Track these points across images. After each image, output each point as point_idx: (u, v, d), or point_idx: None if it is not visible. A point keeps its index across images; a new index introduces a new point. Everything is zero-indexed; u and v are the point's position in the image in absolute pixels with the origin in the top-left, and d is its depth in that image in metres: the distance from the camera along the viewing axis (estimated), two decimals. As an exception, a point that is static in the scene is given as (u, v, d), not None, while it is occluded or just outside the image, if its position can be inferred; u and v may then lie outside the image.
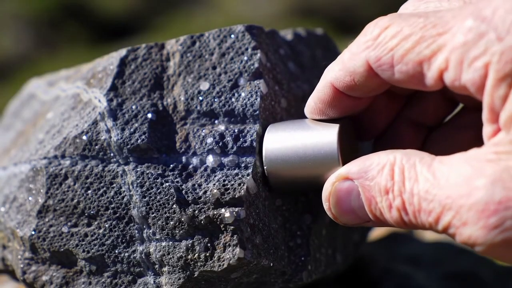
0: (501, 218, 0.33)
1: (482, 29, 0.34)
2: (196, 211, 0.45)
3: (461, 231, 0.35)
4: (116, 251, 0.46)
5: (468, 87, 0.35)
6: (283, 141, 0.44)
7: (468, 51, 0.35)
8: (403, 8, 0.42)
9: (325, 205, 0.42)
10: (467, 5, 0.36)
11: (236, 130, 0.46)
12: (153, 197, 0.45)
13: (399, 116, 0.47)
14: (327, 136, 0.43)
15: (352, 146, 0.46)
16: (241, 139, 0.46)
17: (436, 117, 0.46)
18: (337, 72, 0.41)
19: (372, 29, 0.39)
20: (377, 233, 0.69)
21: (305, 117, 0.46)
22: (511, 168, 0.34)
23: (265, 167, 0.45)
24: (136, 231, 0.46)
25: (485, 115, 0.35)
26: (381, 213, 0.39)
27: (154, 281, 0.46)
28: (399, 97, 0.46)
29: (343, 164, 0.42)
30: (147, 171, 0.46)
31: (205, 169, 0.45)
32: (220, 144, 0.46)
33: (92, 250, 0.46)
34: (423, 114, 0.46)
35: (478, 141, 0.38)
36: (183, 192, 0.45)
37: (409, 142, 0.46)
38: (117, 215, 0.46)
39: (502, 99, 0.34)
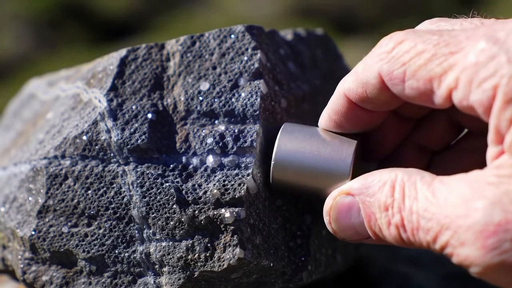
0: (500, 240, 0.33)
1: (493, 51, 0.34)
2: (196, 211, 0.45)
3: (458, 251, 0.35)
4: (116, 251, 0.46)
5: (475, 108, 0.35)
6: (296, 145, 0.44)
7: (478, 72, 0.35)
8: (419, 27, 0.42)
9: (326, 219, 0.43)
10: (481, 26, 0.36)
11: (236, 130, 0.46)
12: (153, 197, 0.45)
13: (405, 140, 0.47)
14: (343, 152, 0.43)
15: (359, 165, 0.46)
16: (241, 139, 0.46)
17: (441, 141, 0.47)
18: (351, 83, 0.41)
19: (387, 42, 0.39)
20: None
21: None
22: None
23: (272, 163, 0.44)
24: (136, 231, 0.46)
25: (491, 136, 0.35)
26: (380, 230, 0.39)
27: (154, 281, 0.46)
28: (408, 121, 0.46)
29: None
30: (147, 171, 0.46)
31: (205, 169, 0.45)
32: (220, 144, 0.46)
33: (92, 250, 0.46)
34: (428, 138, 0.46)
35: (482, 165, 0.38)
36: (183, 192, 0.45)
37: (413, 165, 0.46)
38: (117, 215, 0.46)
39: (509, 122, 0.34)
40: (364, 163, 0.48)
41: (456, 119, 0.46)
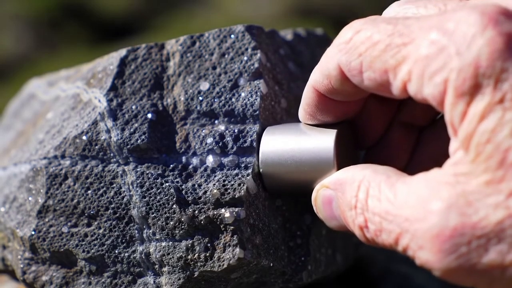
0: (456, 244, 0.33)
1: (443, 43, 0.34)
2: (196, 211, 0.45)
3: (418, 254, 0.35)
4: (116, 251, 0.46)
5: (429, 101, 0.35)
6: (279, 144, 0.44)
7: (429, 65, 0.34)
8: (385, 13, 0.42)
9: (314, 209, 0.43)
10: (435, 16, 0.36)
11: (236, 130, 0.46)
12: (153, 197, 0.45)
13: (392, 120, 0.47)
14: (324, 142, 0.43)
15: (351, 154, 0.46)
16: (241, 139, 0.46)
17: (426, 116, 0.46)
18: (317, 75, 0.41)
19: (345, 32, 0.39)
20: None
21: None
22: (468, 193, 0.33)
23: (260, 170, 0.45)
24: (136, 231, 0.46)
25: (449, 130, 0.35)
26: (350, 227, 0.39)
27: (154, 281, 0.46)
28: (391, 102, 0.46)
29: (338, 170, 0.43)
30: (147, 171, 0.46)
31: (205, 169, 0.45)
32: (220, 144, 0.46)
33: (92, 250, 0.46)
34: (413, 114, 0.46)
35: None
36: (183, 192, 0.45)
37: (400, 144, 0.46)
38: (117, 215, 0.46)
39: (461, 116, 0.34)
40: (359, 151, 0.48)
41: None
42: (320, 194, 0.42)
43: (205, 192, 0.45)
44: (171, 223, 0.45)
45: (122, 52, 0.49)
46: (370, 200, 0.37)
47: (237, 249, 0.44)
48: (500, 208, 0.32)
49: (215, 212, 0.44)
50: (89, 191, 0.47)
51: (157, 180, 0.46)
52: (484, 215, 0.33)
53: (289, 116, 0.49)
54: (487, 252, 0.33)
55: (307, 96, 0.43)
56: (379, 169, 0.38)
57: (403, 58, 0.35)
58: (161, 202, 0.45)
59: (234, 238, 0.44)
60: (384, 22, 0.37)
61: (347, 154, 0.45)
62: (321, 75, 0.41)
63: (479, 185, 0.33)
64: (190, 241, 0.45)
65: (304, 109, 0.44)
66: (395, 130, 0.46)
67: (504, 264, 0.32)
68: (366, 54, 0.37)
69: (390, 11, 0.41)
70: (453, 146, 0.35)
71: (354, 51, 0.38)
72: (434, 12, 0.38)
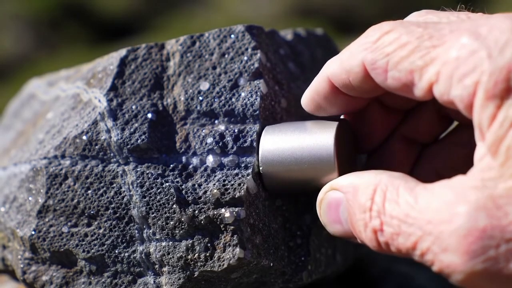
0: (484, 246, 0.32)
1: (475, 47, 0.34)
2: (196, 211, 0.45)
3: (440, 257, 0.34)
4: (116, 251, 0.46)
5: (456, 103, 0.35)
6: (279, 142, 0.44)
7: (459, 67, 0.34)
8: (408, 18, 0.42)
9: (318, 211, 0.43)
10: (466, 21, 0.36)
11: (236, 130, 0.46)
12: (153, 197, 0.45)
13: (394, 132, 0.47)
14: (324, 140, 0.43)
15: (350, 154, 0.46)
16: (241, 139, 0.46)
17: (430, 134, 0.46)
18: (336, 69, 0.41)
19: (373, 32, 0.39)
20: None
21: (303, 119, 0.46)
22: (497, 197, 0.33)
23: (260, 168, 0.45)
24: (136, 231, 0.46)
25: (476, 134, 0.35)
26: (359, 231, 0.39)
27: (154, 281, 0.46)
28: (396, 112, 0.46)
29: (339, 168, 0.42)
30: (147, 171, 0.46)
31: (205, 169, 0.45)
32: (220, 144, 0.46)
33: (92, 250, 0.46)
34: (416, 130, 0.46)
35: (471, 159, 0.37)
36: (183, 192, 0.45)
37: (402, 158, 0.46)
38: (117, 215, 0.46)
39: (490, 120, 0.34)
40: (355, 151, 0.48)
41: (444, 111, 0.45)
42: (328, 196, 0.42)
43: (205, 192, 0.45)
44: (171, 223, 0.45)
45: (122, 52, 0.49)
46: (387, 203, 0.37)
47: (237, 249, 0.44)
48: None
49: (215, 212, 0.44)
50: (89, 191, 0.47)
51: (157, 180, 0.46)
52: None
53: (289, 116, 0.49)
54: None
55: (320, 86, 0.43)
56: (396, 175, 0.38)
57: (432, 59, 0.36)
58: (161, 202, 0.45)
59: (234, 238, 0.44)
60: (414, 25, 0.37)
61: (346, 153, 0.45)
62: (340, 69, 0.41)
63: (509, 189, 0.33)
64: (190, 241, 0.45)
65: (311, 97, 0.44)
66: (397, 142, 0.47)
67: None
68: (394, 54, 0.37)
69: (410, 19, 0.41)
70: (480, 151, 0.35)
71: (381, 50, 0.38)
72: (464, 18, 0.39)
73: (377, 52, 0.38)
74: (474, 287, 0.34)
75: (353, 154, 0.47)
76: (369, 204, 0.38)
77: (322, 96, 0.43)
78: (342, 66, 0.41)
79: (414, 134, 0.46)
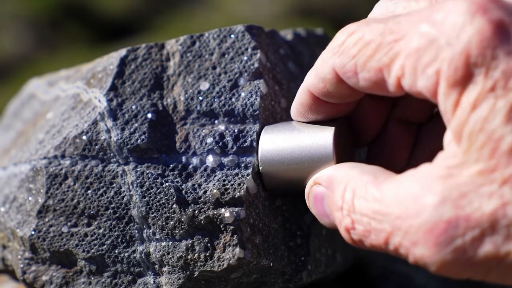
0: (451, 236, 0.33)
1: (433, 35, 0.34)
2: (196, 211, 0.45)
3: (412, 251, 0.34)
4: (116, 251, 0.46)
5: (424, 94, 0.35)
6: (278, 142, 0.44)
7: (421, 57, 0.34)
8: (375, 9, 0.42)
9: (308, 205, 0.43)
10: (424, 9, 0.36)
11: (236, 130, 0.46)
12: (153, 197, 0.45)
13: (389, 119, 0.47)
14: (323, 138, 0.43)
15: (349, 150, 0.46)
16: (241, 139, 0.46)
17: (423, 112, 0.46)
18: (312, 79, 0.41)
19: (339, 35, 0.39)
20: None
21: None
22: (462, 185, 0.33)
23: (260, 168, 0.45)
24: (136, 231, 0.46)
25: (445, 122, 0.34)
26: (339, 228, 0.39)
27: (154, 281, 0.46)
28: (386, 98, 0.45)
29: None
30: (147, 171, 0.46)
31: (205, 169, 0.45)
32: (220, 144, 0.46)
33: (92, 250, 0.46)
34: (409, 111, 0.46)
35: None
36: (183, 192, 0.45)
37: (400, 141, 0.46)
38: (117, 215, 0.46)
39: (453, 107, 0.33)
40: (356, 149, 0.48)
41: None
42: (313, 190, 0.42)
43: (205, 192, 0.45)
44: (171, 223, 0.45)
45: (122, 52, 0.49)
46: (356, 200, 0.37)
47: (237, 249, 0.44)
48: (494, 197, 0.32)
49: (215, 212, 0.44)
50: (89, 191, 0.47)
51: (157, 180, 0.46)
52: (478, 206, 0.32)
53: (289, 115, 0.49)
54: (482, 244, 0.32)
55: (302, 98, 0.43)
56: (366, 169, 0.38)
57: (396, 54, 0.35)
58: (161, 202, 0.45)
59: (234, 238, 0.44)
60: (375, 22, 0.37)
61: (346, 150, 0.45)
62: (316, 79, 0.41)
63: (472, 175, 0.33)
64: (190, 241, 0.45)
65: (297, 109, 0.44)
66: (393, 127, 0.46)
67: (500, 255, 0.32)
68: (360, 55, 0.37)
69: (380, 6, 0.41)
70: (446, 139, 0.34)
71: (347, 53, 0.38)
72: (425, 5, 0.38)
73: (344, 55, 0.38)
74: (450, 275, 0.34)
75: (352, 151, 0.47)
76: (340, 203, 0.38)
77: (307, 107, 0.43)
78: (317, 75, 0.41)
79: (407, 115, 0.46)
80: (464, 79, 0.33)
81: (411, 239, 0.34)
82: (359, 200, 0.37)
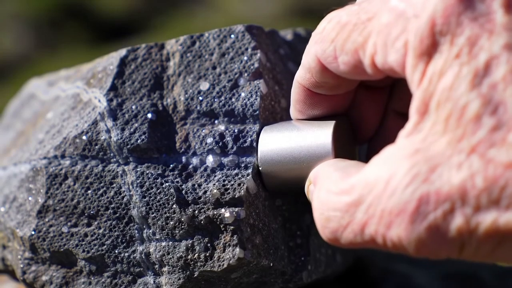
0: (423, 213, 0.32)
1: (401, 8, 0.34)
2: (196, 211, 0.45)
3: (389, 235, 0.33)
4: (116, 251, 0.46)
5: (394, 68, 0.34)
6: (278, 142, 0.44)
7: (390, 32, 0.34)
8: None
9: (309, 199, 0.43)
10: None
11: (236, 130, 0.46)
12: (153, 197, 0.45)
13: (386, 113, 0.46)
14: (322, 137, 0.43)
15: (349, 149, 0.46)
16: (241, 139, 0.46)
17: None
18: (300, 71, 0.41)
19: (321, 23, 0.39)
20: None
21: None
22: (430, 158, 0.32)
23: (260, 168, 0.45)
24: (136, 231, 0.46)
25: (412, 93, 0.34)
26: None
27: (154, 281, 0.46)
28: (381, 91, 0.45)
29: None
30: (147, 171, 0.46)
31: (205, 169, 0.45)
32: (220, 144, 0.46)
33: (92, 250, 0.46)
34: (404, 103, 0.45)
35: None
36: (183, 192, 0.45)
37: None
38: (117, 215, 0.46)
39: (420, 78, 0.33)
40: (355, 145, 0.48)
41: None
42: (309, 190, 0.42)
43: (205, 192, 0.45)
44: (171, 223, 0.45)
45: (122, 52, 0.49)
46: (328, 197, 0.36)
47: (237, 249, 0.44)
48: (463, 168, 0.31)
49: (215, 212, 0.44)
50: (89, 191, 0.47)
51: (157, 180, 0.46)
52: (447, 178, 0.31)
53: (289, 115, 0.49)
54: (453, 217, 0.31)
55: (295, 93, 0.43)
56: (340, 165, 0.38)
57: (369, 33, 0.35)
58: (161, 202, 0.45)
59: (234, 238, 0.44)
60: (352, 5, 0.37)
61: (345, 148, 0.45)
62: (303, 70, 0.41)
63: (441, 147, 0.32)
64: (190, 241, 0.45)
65: (293, 106, 0.44)
66: (390, 121, 0.46)
67: (471, 228, 0.31)
68: (338, 38, 0.37)
69: None
70: (411, 112, 0.34)
71: (326, 38, 0.38)
72: None
73: (324, 41, 0.38)
74: (429, 254, 0.33)
75: (353, 149, 0.47)
76: (310, 197, 0.38)
77: (301, 102, 0.43)
78: (303, 66, 0.41)
79: (402, 107, 0.45)
80: (430, 49, 0.32)
81: (385, 223, 0.33)
82: (329, 196, 0.36)
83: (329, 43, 0.37)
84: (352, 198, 0.35)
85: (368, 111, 0.45)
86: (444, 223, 0.32)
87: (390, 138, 0.46)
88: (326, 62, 0.38)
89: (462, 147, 0.31)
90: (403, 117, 0.45)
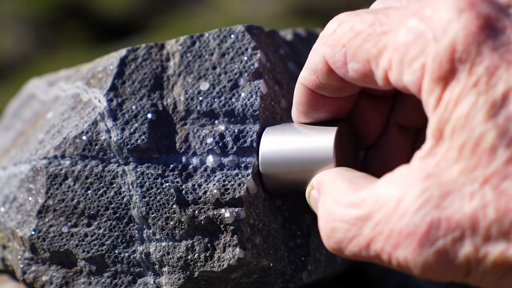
0: (433, 238, 0.32)
1: (421, 29, 0.34)
2: (196, 211, 0.45)
3: (395, 255, 0.34)
4: (116, 251, 0.46)
5: (409, 89, 0.34)
6: (279, 144, 0.44)
7: (408, 51, 0.34)
8: (371, 8, 0.42)
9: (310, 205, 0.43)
10: (414, 3, 0.36)
11: (236, 130, 0.46)
12: (153, 197, 0.45)
13: (388, 123, 0.46)
14: (324, 141, 0.43)
15: (351, 154, 0.46)
16: (241, 139, 0.46)
17: (419, 118, 0.45)
18: (305, 72, 0.41)
19: (330, 24, 0.38)
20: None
21: None
22: (443, 185, 0.32)
23: (260, 170, 0.45)
24: (136, 231, 0.46)
25: (428, 118, 0.34)
26: None
27: (154, 281, 0.46)
28: (383, 100, 0.45)
29: None
30: (147, 171, 0.46)
31: (205, 169, 0.45)
32: (220, 144, 0.46)
33: (92, 250, 0.46)
34: (406, 116, 0.45)
35: None
36: (183, 192, 0.45)
37: (398, 146, 0.46)
38: (117, 215, 0.46)
39: (435, 103, 0.33)
40: (357, 151, 0.48)
41: None
42: (311, 194, 0.42)
43: (205, 192, 0.45)
44: (171, 223, 0.45)
45: (122, 52, 0.49)
46: (335, 207, 0.36)
47: (237, 249, 0.44)
48: (475, 197, 0.31)
49: (215, 212, 0.44)
50: (89, 191, 0.47)
51: (157, 180, 0.46)
52: (459, 206, 0.32)
53: (289, 116, 0.49)
54: (462, 245, 0.32)
55: (298, 94, 0.43)
56: (348, 175, 0.38)
57: (384, 46, 0.35)
58: (161, 202, 0.45)
59: (234, 238, 0.44)
60: (366, 12, 0.37)
61: (347, 153, 0.45)
62: (308, 71, 0.41)
63: (454, 174, 0.32)
64: (190, 241, 0.45)
65: (296, 108, 0.44)
66: (392, 131, 0.46)
67: (479, 257, 0.32)
68: (349, 44, 0.37)
69: (376, 6, 0.41)
70: (427, 135, 0.34)
71: (337, 42, 0.37)
72: (406, 5, 0.38)
73: (334, 44, 0.38)
74: (434, 277, 0.33)
75: (356, 154, 0.47)
76: (315, 206, 0.38)
77: (304, 104, 0.43)
78: (308, 67, 0.40)
79: (404, 120, 0.45)
80: (448, 75, 0.33)
81: (393, 242, 0.33)
82: (337, 206, 0.36)
83: (340, 47, 0.37)
84: (361, 212, 0.35)
85: (369, 119, 0.45)
86: (453, 249, 0.32)
87: (389, 148, 0.46)
88: (335, 66, 0.38)
89: (476, 176, 0.32)
90: (405, 130, 0.46)
